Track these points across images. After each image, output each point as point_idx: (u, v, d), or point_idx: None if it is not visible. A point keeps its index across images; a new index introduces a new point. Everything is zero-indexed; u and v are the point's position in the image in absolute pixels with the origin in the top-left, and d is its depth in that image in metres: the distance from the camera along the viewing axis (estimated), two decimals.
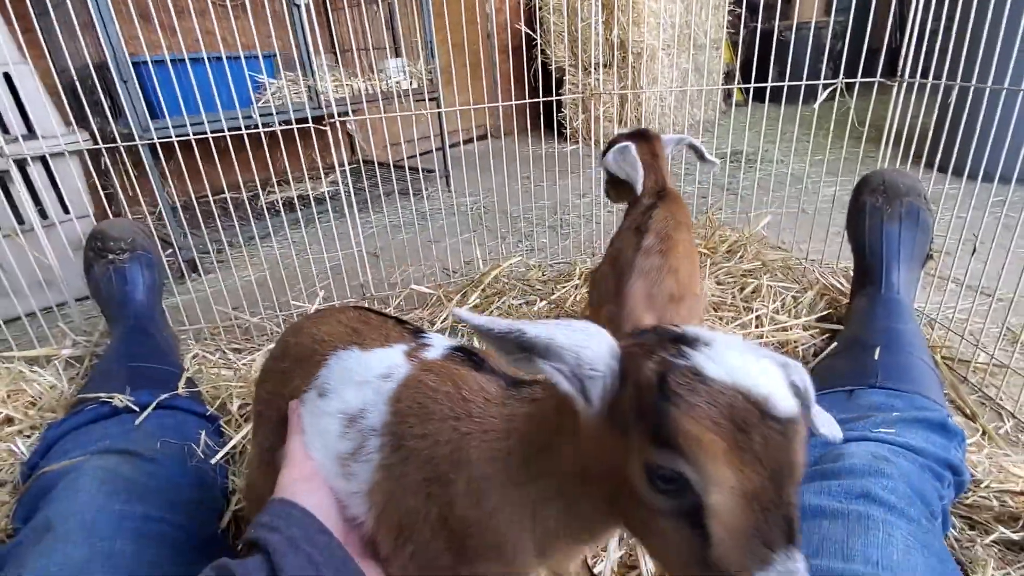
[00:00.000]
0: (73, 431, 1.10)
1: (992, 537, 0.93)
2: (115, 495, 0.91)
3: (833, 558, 0.69)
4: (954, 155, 1.46)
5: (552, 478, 0.52)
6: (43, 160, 2.13)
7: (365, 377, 0.64)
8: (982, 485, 1.01)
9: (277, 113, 2.57)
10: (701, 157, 1.40)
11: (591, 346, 0.44)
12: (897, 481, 0.79)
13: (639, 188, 1.34)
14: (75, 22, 2.23)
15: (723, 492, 0.38)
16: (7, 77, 1.98)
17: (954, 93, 1.42)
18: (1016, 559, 0.90)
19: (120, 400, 1.14)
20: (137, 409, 1.14)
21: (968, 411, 1.28)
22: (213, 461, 1.14)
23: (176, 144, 1.91)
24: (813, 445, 0.92)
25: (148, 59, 2.25)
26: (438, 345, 0.65)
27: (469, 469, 0.54)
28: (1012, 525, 0.95)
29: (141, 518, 0.87)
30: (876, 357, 1.11)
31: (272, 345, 1.63)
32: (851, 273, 1.82)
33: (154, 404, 1.14)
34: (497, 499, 0.53)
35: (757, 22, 4.90)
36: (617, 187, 1.45)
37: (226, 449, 1.15)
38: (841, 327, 1.44)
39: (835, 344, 1.32)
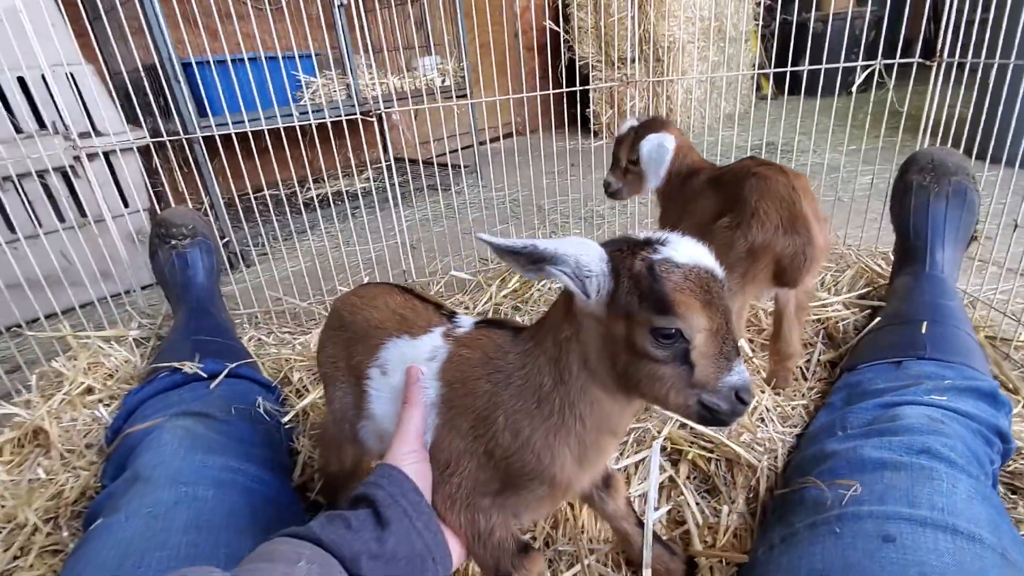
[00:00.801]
0: (151, 398, 1.19)
1: None
2: (195, 448, 0.98)
3: (898, 503, 0.71)
4: (992, 141, 1.46)
5: (566, 383, 0.65)
6: (104, 157, 2.26)
7: (417, 361, 0.77)
8: None
9: (316, 111, 2.66)
10: None
11: (587, 253, 0.59)
12: (955, 440, 0.81)
13: (653, 183, 1.41)
14: (126, 27, 2.37)
15: (702, 333, 0.57)
16: (71, 77, 2.10)
17: (993, 71, 1.42)
18: None
19: (190, 368, 1.22)
20: (206, 376, 1.22)
21: (1011, 385, 1.28)
22: (284, 420, 1.22)
23: (219, 144, 2.00)
24: (866, 408, 0.95)
25: (193, 60, 2.36)
26: (467, 323, 0.79)
27: (504, 407, 0.68)
28: None
29: (220, 468, 0.94)
30: (924, 331, 1.12)
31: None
32: (890, 256, 1.82)
33: (226, 371, 1.22)
34: (530, 424, 0.66)
35: (790, 13, 4.87)
36: (630, 175, 1.51)
37: (292, 413, 1.23)
38: (882, 304, 1.44)
39: (878, 319, 1.33)
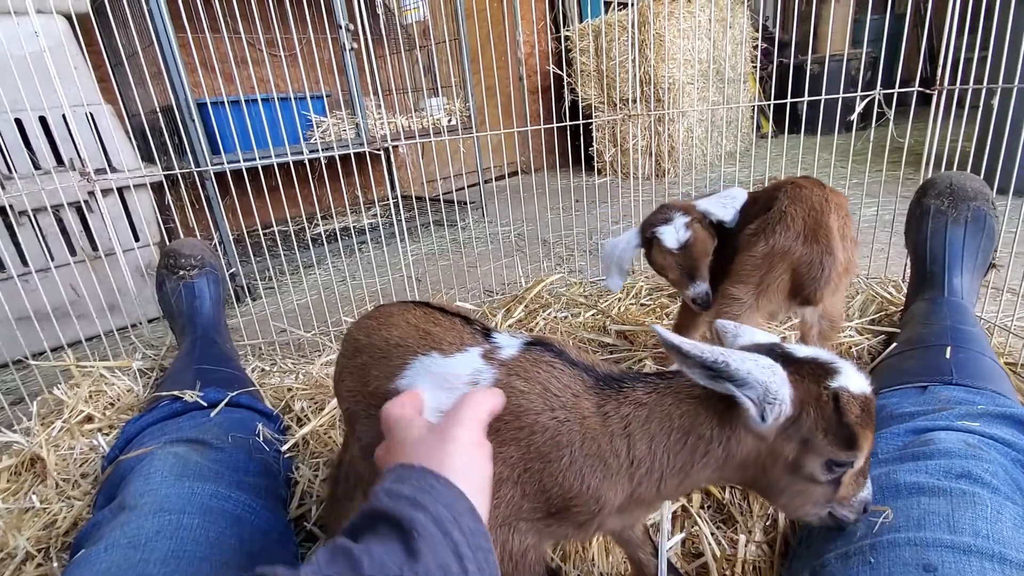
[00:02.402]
0: (149, 426, 1.16)
1: None
2: (185, 475, 0.95)
3: (938, 530, 0.66)
4: (999, 171, 1.46)
5: (665, 471, 0.62)
6: (118, 192, 2.31)
7: (453, 383, 0.68)
8: None
9: (326, 149, 2.73)
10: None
11: (776, 380, 0.57)
12: (995, 466, 0.76)
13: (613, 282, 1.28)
14: (145, 71, 2.47)
15: (863, 460, 0.61)
16: (90, 117, 2.16)
17: (997, 97, 1.43)
18: None
19: (190, 396, 1.20)
20: (206, 406, 1.20)
21: None
22: (283, 449, 1.19)
23: (230, 181, 2.04)
24: (896, 433, 0.90)
25: (208, 101, 2.44)
26: (510, 344, 0.70)
27: (571, 450, 0.63)
28: None
29: (210, 495, 0.91)
30: (948, 355, 1.09)
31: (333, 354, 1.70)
32: (900, 284, 1.80)
33: (226, 399, 1.20)
34: (600, 476, 0.63)
35: (786, 56, 5.01)
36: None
37: (291, 442, 1.20)
38: (896, 330, 1.41)
39: (895, 344, 1.30)
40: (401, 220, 2.22)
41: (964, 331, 1.21)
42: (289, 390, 1.43)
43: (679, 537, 0.92)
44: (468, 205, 3.58)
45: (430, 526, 0.44)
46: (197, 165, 2.45)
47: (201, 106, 2.76)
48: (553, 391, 0.65)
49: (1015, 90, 1.36)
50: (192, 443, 1.06)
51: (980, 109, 1.50)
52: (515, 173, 4.46)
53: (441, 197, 3.24)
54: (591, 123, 4.32)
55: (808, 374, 0.59)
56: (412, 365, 0.72)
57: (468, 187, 3.92)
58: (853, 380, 0.58)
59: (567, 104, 4.52)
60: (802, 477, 0.60)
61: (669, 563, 0.81)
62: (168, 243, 2.49)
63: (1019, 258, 1.84)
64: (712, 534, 0.92)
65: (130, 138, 2.37)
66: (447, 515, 0.45)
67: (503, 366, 0.68)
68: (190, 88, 2.51)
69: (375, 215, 3.66)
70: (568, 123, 2.33)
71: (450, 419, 0.57)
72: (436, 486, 0.47)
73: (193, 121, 2.52)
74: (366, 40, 2.47)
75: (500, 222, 3.38)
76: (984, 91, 1.47)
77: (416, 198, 3.87)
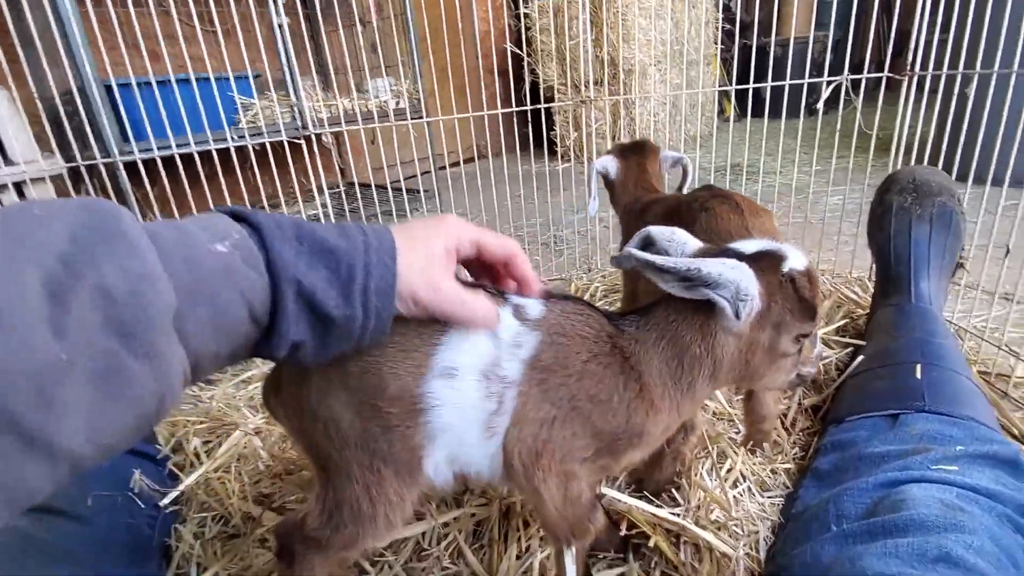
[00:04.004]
0: None
1: None
2: (25, 562, 0.75)
3: None
4: (974, 160, 1.35)
5: (680, 387, 0.68)
6: (16, 188, 2.03)
7: (495, 342, 0.66)
8: None
9: (256, 135, 2.48)
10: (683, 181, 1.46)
11: (745, 278, 0.62)
12: (981, 538, 0.63)
13: (591, 210, 1.41)
14: (61, 50, 2.18)
15: (816, 326, 0.68)
16: None
17: (974, 83, 1.31)
18: None
19: None
20: None
21: (1016, 431, 1.14)
22: (163, 503, 1.00)
23: (144, 172, 1.82)
24: (864, 489, 0.77)
25: (113, 82, 2.16)
26: (531, 302, 0.70)
27: (616, 390, 0.67)
28: None
29: None
30: (919, 375, 0.97)
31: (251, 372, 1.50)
32: (866, 282, 1.70)
33: None
34: (644, 410, 0.68)
35: (749, 38, 4.89)
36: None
37: (174, 493, 1.01)
38: (862, 343, 1.30)
39: (860, 359, 1.18)
40: (345, 211, 2.02)
41: (935, 344, 1.09)
42: (185, 425, 1.23)
43: None
44: (421, 194, 3.37)
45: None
46: (106, 155, 2.18)
47: (108, 88, 2.47)
48: (591, 339, 0.68)
49: (994, 75, 1.23)
50: (38, 512, 0.86)
51: (955, 96, 1.37)
52: (472, 159, 4.25)
53: (389, 186, 3.01)
54: (551, 107, 4.12)
55: (765, 266, 0.64)
56: (443, 344, 0.64)
57: (422, 174, 3.69)
58: (797, 259, 0.65)
59: (527, 86, 4.32)
60: (778, 355, 0.68)
61: None
62: None
63: (994, 252, 1.76)
64: None
65: (26, 127, 2.08)
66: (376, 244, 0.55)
67: (540, 326, 0.68)
68: (93, 67, 2.22)
69: (324, 204, 3.41)
70: (527, 107, 2.14)
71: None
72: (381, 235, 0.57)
73: (99, 104, 2.24)
74: (308, 14, 2.22)
75: (456, 211, 3.19)
76: (959, 77, 1.34)
77: (363, 186, 3.63)
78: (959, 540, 0.61)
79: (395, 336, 0.63)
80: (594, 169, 1.42)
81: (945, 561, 0.59)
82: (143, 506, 0.97)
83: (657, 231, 0.72)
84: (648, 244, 0.72)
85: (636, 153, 1.44)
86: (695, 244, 0.70)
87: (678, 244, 0.70)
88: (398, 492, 0.68)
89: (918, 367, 0.99)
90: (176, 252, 0.43)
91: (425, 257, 0.59)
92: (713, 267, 0.61)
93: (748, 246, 0.67)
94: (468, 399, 0.65)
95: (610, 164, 1.44)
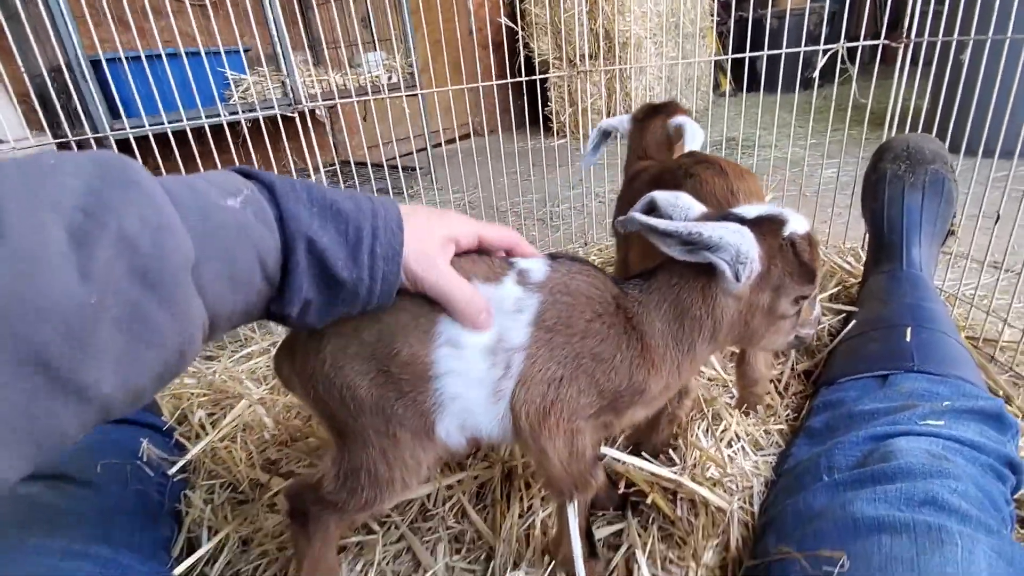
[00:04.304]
0: None
1: None
2: (32, 528, 0.77)
3: None
4: (967, 131, 1.35)
5: (681, 348, 0.70)
6: None
7: (499, 311, 0.67)
8: None
9: (248, 111, 2.45)
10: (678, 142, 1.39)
11: (745, 241, 0.63)
12: (966, 483, 0.66)
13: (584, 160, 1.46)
14: (48, 25, 2.14)
15: (816, 288, 0.69)
16: None
17: (968, 51, 1.31)
18: None
19: None
20: None
21: (1002, 393, 1.17)
22: (171, 472, 1.02)
23: (136, 149, 1.80)
24: (854, 441, 0.80)
25: (101, 57, 2.12)
26: (535, 265, 0.71)
27: (620, 350, 0.69)
28: None
29: (61, 553, 0.73)
30: (908, 338, 0.99)
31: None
32: (859, 253, 1.72)
33: None
34: (641, 368, 0.70)
35: (745, 10, 4.83)
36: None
37: (181, 462, 1.03)
38: (854, 308, 1.32)
39: (853, 324, 1.21)
40: (339, 185, 2.02)
41: (925, 309, 1.12)
42: (189, 397, 1.25)
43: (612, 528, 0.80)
44: (417, 171, 3.34)
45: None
46: (95, 132, 2.15)
47: (96, 64, 2.43)
48: (596, 299, 0.70)
49: (988, 41, 1.23)
50: (48, 479, 0.87)
51: (949, 65, 1.37)
52: (467, 136, 4.21)
53: (384, 163, 2.99)
54: (546, 78, 4.08)
55: (766, 230, 0.66)
56: (441, 319, 0.66)
57: (417, 151, 3.66)
58: (798, 224, 0.66)
59: (520, 60, 4.26)
60: (776, 317, 0.69)
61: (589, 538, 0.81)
62: None
63: (984, 221, 1.78)
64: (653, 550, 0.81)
65: (14, 104, 2.04)
66: (381, 223, 0.56)
67: (542, 288, 0.69)
68: (80, 43, 2.18)
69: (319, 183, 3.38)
70: (522, 79, 2.12)
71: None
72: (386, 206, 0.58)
73: (86, 81, 2.21)
74: None
75: (452, 189, 3.18)
76: (955, 44, 1.34)
77: (359, 164, 3.60)
78: (944, 485, 0.64)
79: (407, 303, 0.64)
80: (600, 125, 1.41)
81: (931, 504, 0.62)
82: (152, 474, 0.99)
83: (661, 196, 0.73)
84: (652, 209, 0.73)
85: (644, 117, 1.39)
86: (699, 209, 0.72)
87: (682, 209, 0.71)
88: (414, 455, 0.70)
89: (908, 330, 1.02)
90: (190, 205, 0.44)
91: (428, 236, 0.61)
92: (714, 231, 0.62)
93: (750, 210, 0.68)
94: (474, 369, 0.66)
95: (620, 124, 1.40)
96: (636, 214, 0.65)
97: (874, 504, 0.64)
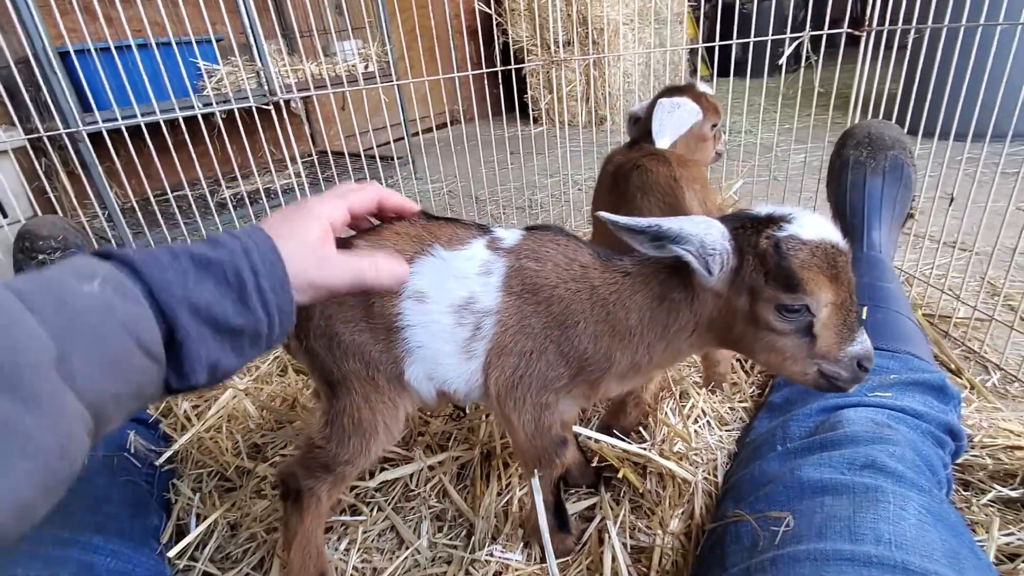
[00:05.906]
0: None
1: (989, 497, 0.88)
2: None
3: (839, 538, 0.61)
4: (924, 115, 1.41)
5: (656, 332, 0.70)
6: None
7: (464, 272, 0.72)
8: (974, 441, 0.96)
9: (222, 102, 2.42)
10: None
11: (710, 232, 0.62)
12: (904, 448, 0.71)
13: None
14: (13, 17, 2.09)
15: (828, 307, 0.62)
16: None
17: (925, 37, 1.37)
18: (1018, 517, 0.85)
19: None
20: None
21: (953, 366, 1.24)
22: (158, 463, 1.04)
23: (109, 142, 1.79)
24: (808, 413, 0.85)
25: (69, 48, 2.08)
26: (510, 234, 0.75)
27: (585, 317, 0.71)
28: (1009, 482, 0.90)
29: (51, 542, 0.76)
30: (863, 317, 1.05)
31: None
32: None
33: None
34: (609, 339, 0.71)
35: None
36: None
37: (169, 452, 1.05)
38: None
39: None
40: (319, 180, 2.01)
41: (881, 288, 1.18)
42: None
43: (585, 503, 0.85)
44: (395, 161, 3.33)
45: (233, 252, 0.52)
46: (66, 126, 2.12)
47: (65, 55, 2.38)
48: (563, 266, 0.72)
49: (944, 30, 1.29)
50: None
51: (909, 46, 1.43)
52: (445, 125, 4.20)
53: (363, 153, 2.98)
54: (522, 68, 4.08)
55: (753, 226, 0.63)
56: (416, 266, 0.72)
57: (395, 140, 3.65)
58: (807, 227, 0.61)
59: (498, 47, 4.24)
60: (763, 327, 0.64)
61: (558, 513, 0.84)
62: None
63: (940, 203, 1.85)
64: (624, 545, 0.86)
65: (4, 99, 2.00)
66: (254, 247, 0.54)
67: (510, 252, 0.72)
68: (47, 33, 2.14)
69: (298, 174, 3.36)
70: (497, 69, 2.13)
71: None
72: (257, 236, 0.55)
73: (55, 73, 2.17)
74: None
75: (431, 179, 3.18)
76: (913, 32, 1.39)
77: (337, 154, 3.58)
78: (884, 450, 0.70)
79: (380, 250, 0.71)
80: (630, 111, 1.40)
81: (871, 467, 0.68)
82: (139, 465, 1.02)
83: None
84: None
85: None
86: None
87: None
88: (391, 398, 0.77)
89: (864, 309, 1.07)
90: (42, 298, 0.41)
91: (303, 242, 0.59)
92: (674, 223, 0.62)
93: (763, 209, 0.65)
94: (439, 324, 0.72)
95: (641, 109, 1.34)
96: (603, 213, 0.65)
97: (820, 468, 0.70)
